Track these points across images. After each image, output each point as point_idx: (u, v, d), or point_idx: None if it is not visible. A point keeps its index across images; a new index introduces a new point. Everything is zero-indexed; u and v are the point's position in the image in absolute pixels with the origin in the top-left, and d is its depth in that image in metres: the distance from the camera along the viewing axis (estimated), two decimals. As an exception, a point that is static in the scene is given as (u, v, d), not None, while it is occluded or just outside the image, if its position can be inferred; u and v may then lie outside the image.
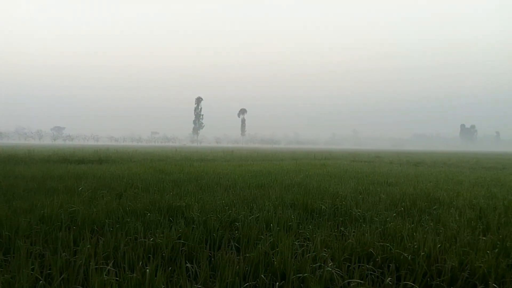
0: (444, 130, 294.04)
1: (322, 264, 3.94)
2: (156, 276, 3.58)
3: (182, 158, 30.12)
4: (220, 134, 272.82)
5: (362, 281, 3.53)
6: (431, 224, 6.10)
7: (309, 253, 4.34)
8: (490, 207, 7.84)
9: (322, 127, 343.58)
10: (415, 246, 4.56)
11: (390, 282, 3.52)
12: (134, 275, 3.55)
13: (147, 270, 3.60)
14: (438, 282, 3.70)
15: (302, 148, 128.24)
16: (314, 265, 3.95)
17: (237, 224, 5.80)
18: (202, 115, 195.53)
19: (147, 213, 6.49)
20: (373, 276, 3.86)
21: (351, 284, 3.46)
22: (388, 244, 4.65)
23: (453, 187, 11.62)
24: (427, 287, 3.75)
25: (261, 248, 4.27)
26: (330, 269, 3.72)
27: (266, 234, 5.12)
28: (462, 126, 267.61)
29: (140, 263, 3.98)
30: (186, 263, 4.02)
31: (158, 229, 5.40)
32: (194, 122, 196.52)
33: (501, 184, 12.92)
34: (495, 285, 3.51)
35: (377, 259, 4.29)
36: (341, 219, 6.57)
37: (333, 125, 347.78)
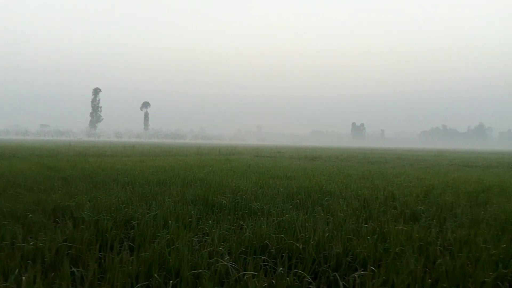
0: (338, 127, 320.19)
1: (219, 259, 3.95)
2: (35, 283, 3.22)
3: (76, 153, 27.80)
4: (121, 128, 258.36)
5: (255, 273, 3.63)
6: (322, 214, 6.56)
7: (206, 248, 4.33)
8: (373, 197, 8.72)
9: (228, 123, 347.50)
10: (307, 236, 4.86)
11: (282, 272, 3.68)
12: (8, 284, 3.15)
13: (24, 278, 3.23)
14: (324, 268, 3.98)
15: (207, 144, 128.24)
16: (210, 260, 3.95)
17: (133, 222, 5.54)
18: (101, 107, 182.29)
19: (29, 215, 5.83)
20: (267, 267, 4.00)
21: (246, 276, 3.54)
22: (282, 235, 4.86)
23: (343, 179, 12.67)
24: (316, 273, 4.02)
25: (156, 246, 4.13)
26: (226, 263, 3.76)
27: (163, 232, 4.98)
28: (353, 124, 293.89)
29: (17, 270, 3.56)
30: (71, 267, 3.70)
31: (41, 231, 4.89)
32: (91, 114, 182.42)
33: (383, 176, 14.48)
34: (373, 268, 3.90)
35: (272, 250, 4.46)
36: (241, 213, 6.70)
37: (238, 121, 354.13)
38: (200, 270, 3.62)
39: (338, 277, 3.67)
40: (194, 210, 6.63)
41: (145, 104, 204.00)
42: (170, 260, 3.84)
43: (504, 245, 4.94)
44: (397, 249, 4.48)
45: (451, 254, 4.50)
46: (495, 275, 3.93)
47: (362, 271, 3.86)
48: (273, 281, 3.51)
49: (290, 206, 7.37)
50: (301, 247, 4.44)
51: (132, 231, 5.21)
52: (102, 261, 3.98)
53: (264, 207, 7.08)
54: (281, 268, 3.72)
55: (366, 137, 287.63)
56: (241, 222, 5.94)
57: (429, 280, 3.60)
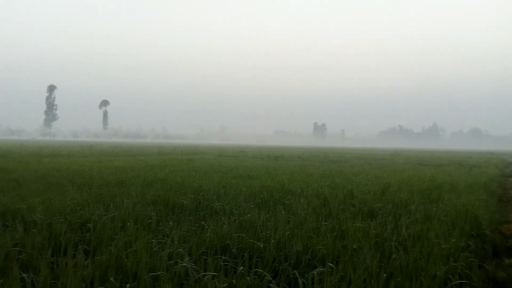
0: (301, 127, 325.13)
1: (179, 260, 3.89)
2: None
3: (29, 153, 26.44)
4: (79, 127, 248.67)
5: (216, 273, 3.61)
6: (284, 213, 6.63)
7: (166, 250, 4.25)
8: (333, 195, 8.92)
9: (191, 122, 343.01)
10: (268, 235, 4.89)
11: (242, 271, 3.68)
12: None
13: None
14: (285, 266, 4.03)
15: (169, 143, 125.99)
16: (170, 262, 3.88)
17: (89, 225, 5.34)
18: (56, 105, 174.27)
19: (-26, 219, 5.47)
20: (228, 267, 3.98)
21: (206, 277, 3.51)
22: (244, 235, 4.87)
23: (305, 178, 12.88)
24: (276, 271, 4.05)
25: (113, 249, 4.00)
26: (185, 264, 3.71)
27: (121, 234, 4.83)
28: (315, 124, 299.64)
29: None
30: (21, 273, 3.50)
31: (-13, 237, 4.60)
32: (46, 113, 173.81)
33: (343, 175, 14.86)
34: (331, 264, 3.98)
35: (233, 250, 4.45)
36: (202, 213, 6.64)
37: (201, 121, 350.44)
38: (158, 273, 3.54)
39: (297, 275, 3.72)
40: (154, 211, 6.49)
41: (104, 102, 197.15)
42: (128, 263, 3.73)
43: (454, 240, 5.22)
44: (354, 245, 4.61)
45: (405, 249, 4.68)
46: (445, 268, 4.13)
47: (321, 268, 3.93)
48: (234, 281, 3.50)
49: (252, 206, 7.39)
50: (262, 246, 4.46)
51: (88, 234, 5.01)
52: (55, 266, 3.80)
53: (226, 207, 7.05)
54: (241, 267, 3.72)
55: (327, 137, 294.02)
56: (202, 223, 5.88)
57: (384, 274, 3.73)
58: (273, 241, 4.59)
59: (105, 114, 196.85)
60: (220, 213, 6.64)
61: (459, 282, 4.08)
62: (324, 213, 6.84)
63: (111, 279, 3.43)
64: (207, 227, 5.50)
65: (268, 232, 5.02)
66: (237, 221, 5.74)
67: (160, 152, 37.38)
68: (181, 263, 3.77)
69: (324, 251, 4.38)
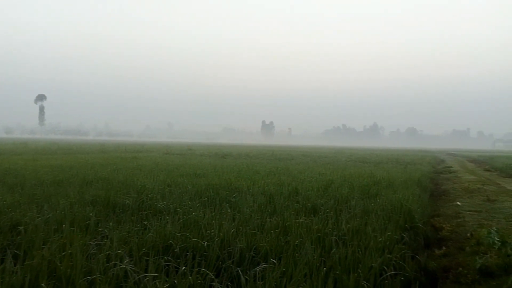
0: (249, 125, 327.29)
1: (117, 262, 3.75)
2: None
3: (-48, 151, 24.12)
4: (12, 123, 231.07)
5: (157, 274, 3.52)
6: (229, 211, 6.63)
7: (104, 252, 4.07)
8: (278, 192, 9.06)
9: (136, 119, 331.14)
10: (212, 233, 4.86)
11: (184, 271, 3.62)
12: None
13: None
14: (228, 264, 4.03)
15: (113, 141, 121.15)
16: (108, 265, 3.72)
17: (20, 228, 4.97)
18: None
19: None
20: (170, 267, 3.90)
21: (146, 279, 3.41)
22: (187, 234, 4.80)
23: (252, 176, 12.98)
24: (219, 269, 4.03)
25: (46, 253, 3.76)
26: (124, 266, 3.58)
27: (56, 237, 4.56)
28: (263, 122, 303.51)
29: None
30: None
31: None
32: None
33: (288, 172, 15.17)
34: (274, 260, 4.05)
35: (176, 250, 4.37)
36: (145, 213, 6.45)
37: (147, 117, 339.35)
38: (94, 276, 3.39)
39: (240, 272, 3.73)
40: (94, 211, 6.21)
41: (40, 97, 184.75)
42: (61, 267, 3.53)
43: (390, 233, 5.53)
44: (297, 241, 4.72)
45: (345, 243, 4.87)
46: (381, 260, 4.36)
47: (264, 264, 3.98)
48: (175, 281, 3.43)
49: (198, 204, 7.31)
50: (205, 244, 4.42)
51: (18, 237, 4.67)
52: (-22, 273, 3.49)
53: (171, 206, 6.91)
54: (184, 267, 3.66)
55: (275, 135, 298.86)
56: (145, 223, 5.72)
57: (324, 268, 3.86)
58: (217, 239, 4.57)
59: (42, 109, 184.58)
60: (164, 213, 6.49)
61: (394, 273, 4.33)
62: (269, 210, 6.93)
63: (42, 284, 3.22)
64: (149, 227, 5.35)
65: (212, 230, 4.99)
66: (181, 220, 5.65)
67: (103, 150, 35.82)
68: (120, 265, 3.63)
69: (268, 247, 4.44)
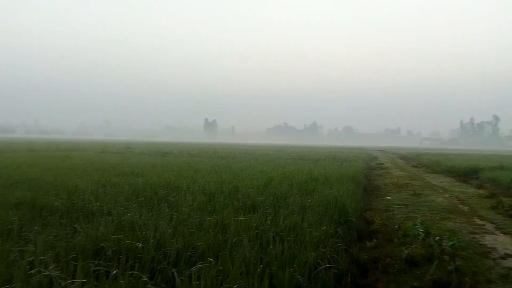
0: (191, 123, 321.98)
1: (42, 269, 3.49)
2: None
3: None
4: None
5: (85, 280, 3.33)
6: (167, 210, 6.46)
7: (27, 258, 3.77)
8: (219, 191, 9.02)
9: (70, 115, 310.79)
10: (148, 234, 4.71)
11: (117, 274, 3.47)
12: None
13: None
14: (163, 265, 3.92)
15: (43, 139, 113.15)
16: (31, 272, 3.45)
17: None
18: None
19: None
20: (101, 271, 3.71)
21: (73, 285, 3.21)
22: (121, 236, 4.60)
23: (192, 174, 12.80)
24: (154, 271, 3.92)
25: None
26: (49, 273, 3.34)
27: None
28: (206, 120, 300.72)
29: None
30: None
31: None
32: None
33: (230, 170, 15.16)
34: (211, 259, 4.01)
35: (108, 253, 4.17)
36: (76, 215, 6.09)
37: (82, 114, 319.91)
38: (14, 284, 3.12)
39: (175, 273, 3.65)
40: (17, 215, 5.73)
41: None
42: (-25, 277, 3.21)
43: (325, 227, 5.73)
44: (235, 239, 4.72)
45: (282, 239, 4.97)
46: (315, 254, 4.51)
47: (201, 264, 3.93)
48: (106, 286, 3.27)
49: (135, 205, 7.06)
50: (140, 246, 4.27)
51: None
52: None
53: (105, 207, 6.60)
54: (115, 271, 3.50)
55: (218, 133, 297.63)
56: (75, 225, 5.40)
57: (261, 265, 3.90)
58: (152, 240, 4.43)
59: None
60: (97, 214, 6.17)
61: (327, 266, 4.50)
62: (209, 208, 6.88)
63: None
64: (80, 230, 5.06)
65: (148, 231, 4.83)
66: (115, 222, 5.41)
67: (31, 148, 33.30)
68: (44, 272, 3.38)
69: (205, 246, 4.39)
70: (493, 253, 5.87)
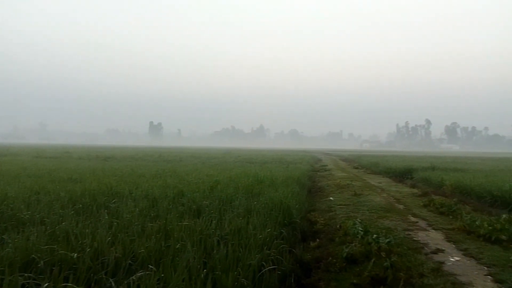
0: (135, 126, 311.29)
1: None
2: None
3: None
4: None
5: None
6: (107, 217, 6.17)
7: None
8: (163, 195, 8.79)
9: (0, 118, 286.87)
10: (84, 243, 4.46)
11: (48, 287, 3.24)
12: None
13: None
14: (101, 275, 3.73)
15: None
16: None
17: None
18: None
19: None
20: (31, 285, 3.45)
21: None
22: (55, 246, 4.31)
23: (136, 179, 12.37)
24: (91, 282, 3.71)
25: None
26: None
27: None
28: (151, 123, 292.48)
29: None
30: None
31: None
32: None
33: (176, 174, 14.85)
34: (152, 267, 3.88)
35: (40, 265, 3.89)
36: (4, 225, 5.62)
37: (14, 116, 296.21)
38: None
39: (113, 283, 3.49)
40: None
41: None
42: None
43: (269, 229, 5.79)
44: (178, 245, 4.61)
45: (226, 243, 4.94)
46: (260, 256, 4.53)
47: (142, 272, 3.79)
48: (35, 301, 3.04)
49: (72, 212, 6.66)
50: (75, 256, 4.02)
51: None
52: None
53: (37, 215, 6.16)
54: (46, 283, 3.27)
55: (164, 136, 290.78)
56: (3, 236, 4.98)
57: (204, 270, 3.84)
58: (89, 249, 4.19)
59: None
60: (28, 224, 5.74)
61: (271, 268, 4.54)
62: (152, 214, 6.67)
63: None
64: (9, 241, 4.67)
65: (85, 240, 4.57)
66: (49, 231, 5.06)
67: (-47, 153, 30.34)
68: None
69: (146, 253, 4.24)
70: (425, 248, 6.28)
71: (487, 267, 5.36)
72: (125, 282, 3.53)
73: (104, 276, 3.71)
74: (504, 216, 7.96)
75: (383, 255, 5.39)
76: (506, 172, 18.46)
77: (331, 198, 12.05)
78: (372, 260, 5.22)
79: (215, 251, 4.44)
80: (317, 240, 6.92)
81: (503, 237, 6.63)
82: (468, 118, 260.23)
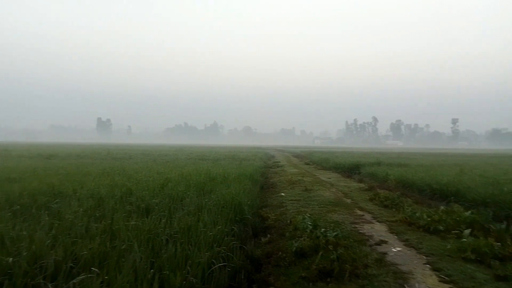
0: (82, 122, 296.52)
1: None
2: None
3: None
4: None
5: None
6: (47, 219, 5.83)
7: None
8: (110, 194, 8.45)
9: None
10: (21, 247, 4.17)
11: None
12: None
13: None
14: (39, 280, 3.51)
15: None
16: None
17: None
18: None
19: None
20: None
21: None
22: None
23: (81, 178, 11.80)
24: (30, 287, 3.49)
25: None
26: None
27: None
28: (99, 119, 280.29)
29: None
30: None
31: None
32: None
33: (124, 172, 14.34)
34: (94, 269, 3.71)
35: (-32, 273, 3.59)
36: None
37: None
38: None
39: (51, 288, 3.30)
40: None
41: None
42: None
43: (220, 227, 5.76)
44: (124, 245, 4.46)
45: (175, 241, 4.85)
46: (209, 254, 4.49)
47: (84, 274, 3.62)
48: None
49: (9, 214, 6.22)
50: (10, 261, 3.76)
51: None
52: None
53: (-33, 219, 5.68)
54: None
55: (113, 133, 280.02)
56: None
57: (151, 270, 3.74)
58: (26, 253, 3.93)
59: None
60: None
61: (222, 265, 4.52)
62: (97, 214, 6.40)
63: None
64: None
65: (22, 243, 4.28)
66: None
67: None
68: None
69: (90, 255, 4.05)
70: (370, 240, 6.57)
71: (426, 256, 5.70)
72: (65, 286, 3.35)
73: (42, 281, 3.50)
74: (442, 208, 8.50)
75: (331, 248, 5.56)
76: (444, 167, 19.74)
77: (282, 194, 12.23)
78: (320, 253, 5.36)
79: (163, 250, 4.33)
80: (268, 235, 7.00)
81: (441, 227, 7.07)
82: (412, 116, 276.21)
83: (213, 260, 4.50)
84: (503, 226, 6.92)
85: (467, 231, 6.56)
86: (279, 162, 30.65)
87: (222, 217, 6.44)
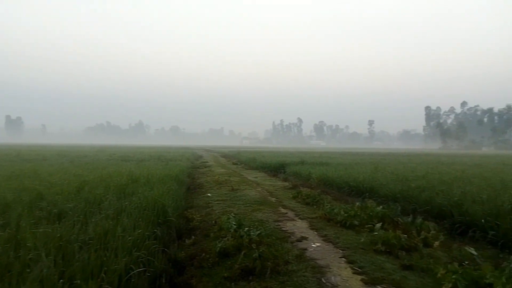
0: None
1: None
2: None
3: None
4: None
5: None
6: None
7: None
8: (17, 200, 7.70)
9: None
10: None
11: None
12: None
13: None
14: None
15: None
16: None
17: None
18: None
19: None
20: None
21: None
22: None
23: (-17, 182, 10.57)
24: None
25: None
26: None
27: None
28: (8, 117, 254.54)
29: None
30: None
31: None
32: None
33: (36, 175, 13.15)
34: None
35: None
36: None
37: None
38: None
39: None
40: None
41: None
42: None
43: (140, 230, 5.54)
44: (31, 254, 4.08)
45: (90, 248, 4.55)
46: (127, 260, 4.29)
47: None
48: None
49: None
50: None
51: None
52: None
53: None
54: None
55: (25, 132, 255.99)
56: None
57: (61, 280, 3.47)
58: None
59: None
60: None
61: (141, 270, 4.34)
62: (1, 222, 5.78)
63: None
64: None
65: None
66: None
67: None
68: None
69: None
70: (292, 237, 6.79)
71: (342, 250, 6.05)
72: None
73: None
74: (357, 203, 9.09)
75: (254, 247, 5.64)
76: (361, 165, 21.13)
77: (209, 194, 12.17)
78: (243, 253, 5.41)
79: (75, 258, 4.04)
80: (193, 237, 6.90)
81: (356, 222, 7.56)
82: (333, 118, 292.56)
83: (132, 266, 4.31)
84: (410, 219, 7.61)
85: (378, 225, 7.09)
86: (207, 162, 30.46)
87: (143, 220, 6.19)
